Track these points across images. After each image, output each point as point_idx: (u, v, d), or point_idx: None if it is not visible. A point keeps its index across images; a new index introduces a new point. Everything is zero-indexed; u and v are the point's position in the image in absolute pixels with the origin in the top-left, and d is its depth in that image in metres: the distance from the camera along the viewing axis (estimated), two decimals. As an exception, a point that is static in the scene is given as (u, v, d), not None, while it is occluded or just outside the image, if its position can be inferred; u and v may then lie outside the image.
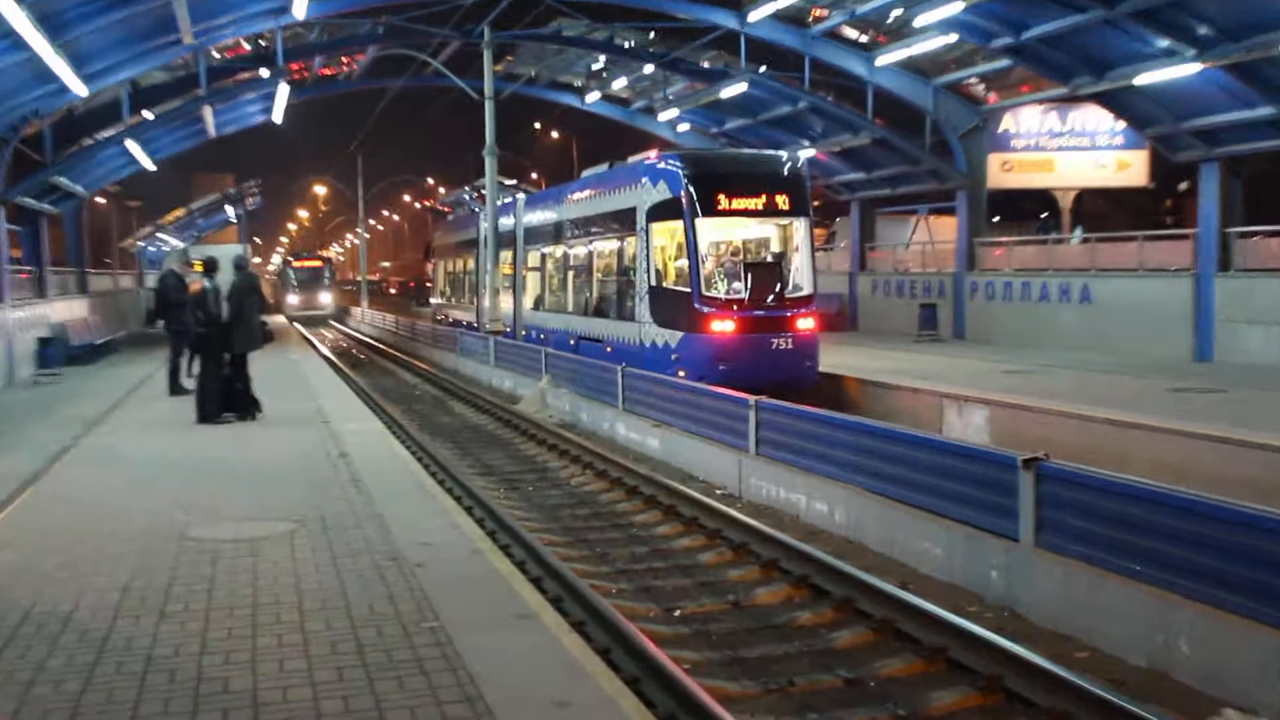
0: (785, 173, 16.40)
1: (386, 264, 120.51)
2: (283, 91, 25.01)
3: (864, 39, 25.15)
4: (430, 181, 79.47)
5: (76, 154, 23.59)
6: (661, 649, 6.05)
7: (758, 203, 16.15)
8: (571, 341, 19.98)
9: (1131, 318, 19.80)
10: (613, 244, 18.52)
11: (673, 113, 31.31)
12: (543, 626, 5.46)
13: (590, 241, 19.73)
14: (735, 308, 15.62)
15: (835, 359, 17.98)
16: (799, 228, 16.60)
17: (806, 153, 25.53)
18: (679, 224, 16.05)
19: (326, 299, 54.93)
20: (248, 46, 27.04)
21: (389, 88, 35.21)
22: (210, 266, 13.07)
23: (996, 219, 28.24)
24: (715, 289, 16.08)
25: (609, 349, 17.97)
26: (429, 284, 42.32)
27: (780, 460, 10.53)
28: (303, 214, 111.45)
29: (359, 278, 59.58)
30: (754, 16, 23.25)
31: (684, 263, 16.12)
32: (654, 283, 16.61)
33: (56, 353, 20.42)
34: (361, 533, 7.39)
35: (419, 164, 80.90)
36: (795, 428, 10.41)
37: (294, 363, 21.53)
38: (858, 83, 25.53)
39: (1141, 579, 6.28)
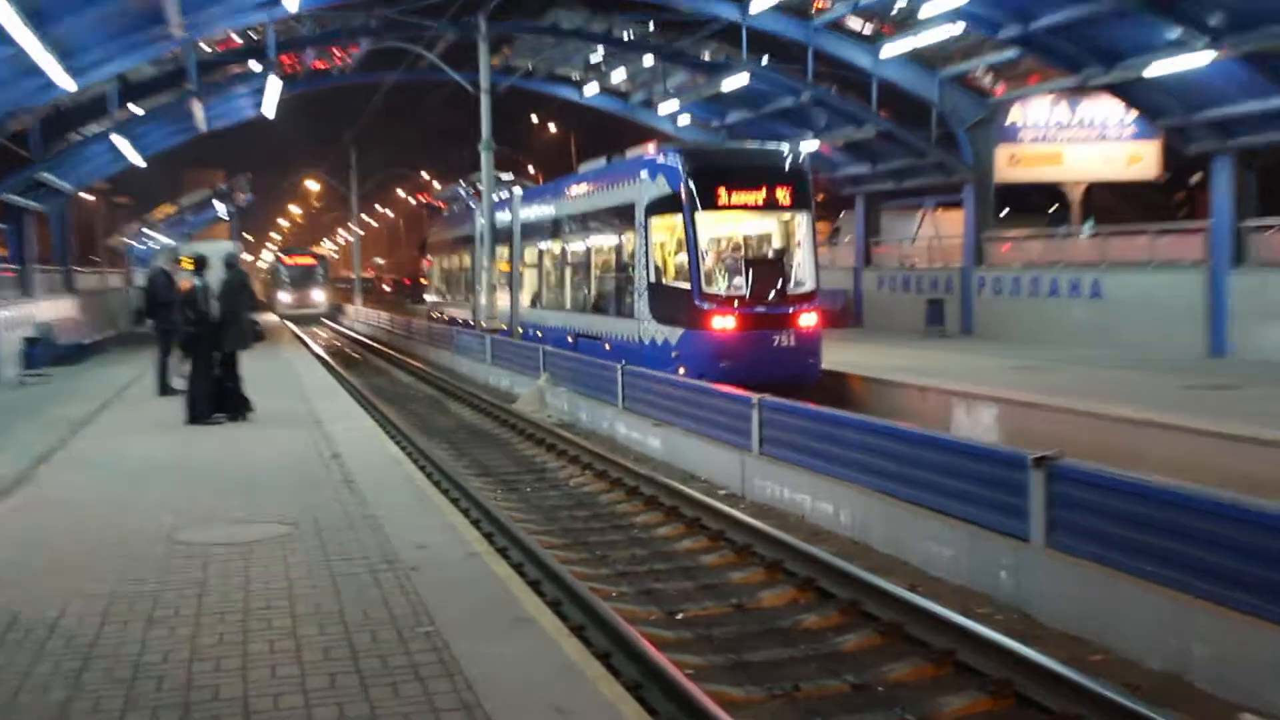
0: (786, 166, 16.38)
1: (381, 261, 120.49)
2: (274, 85, 24.99)
3: (868, 30, 25.16)
4: (425, 176, 79.39)
5: (64, 150, 23.63)
6: (663, 653, 6.02)
7: (759, 197, 16.14)
8: (569, 339, 19.97)
9: (1143, 313, 19.78)
10: (611, 239, 18.50)
11: (673, 105, 31.30)
12: (541, 631, 5.43)
13: (588, 237, 19.71)
14: (736, 304, 15.61)
15: (840, 356, 17.96)
16: (801, 222, 16.59)
17: (810, 146, 25.51)
18: (678, 219, 16.04)
19: (320, 297, 54.89)
20: (238, 40, 27.07)
21: (383, 82, 35.23)
22: (200, 264, 13.05)
23: (1004, 213, 28.20)
24: (716, 285, 16.08)
25: (608, 346, 17.96)
26: (424, 281, 42.29)
27: (784, 460, 10.51)
28: (295, 210, 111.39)
29: (353, 275, 59.52)
30: (755, 7, 23.23)
31: (684, 258, 16.11)
32: (653, 279, 16.60)
33: (43, 353, 20.41)
34: (355, 535, 7.36)
35: (414, 159, 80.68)
36: (800, 426, 10.39)
37: (286, 362, 21.51)
38: (862, 75, 25.53)
39: (1155, 580, 6.25)
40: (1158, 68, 17.84)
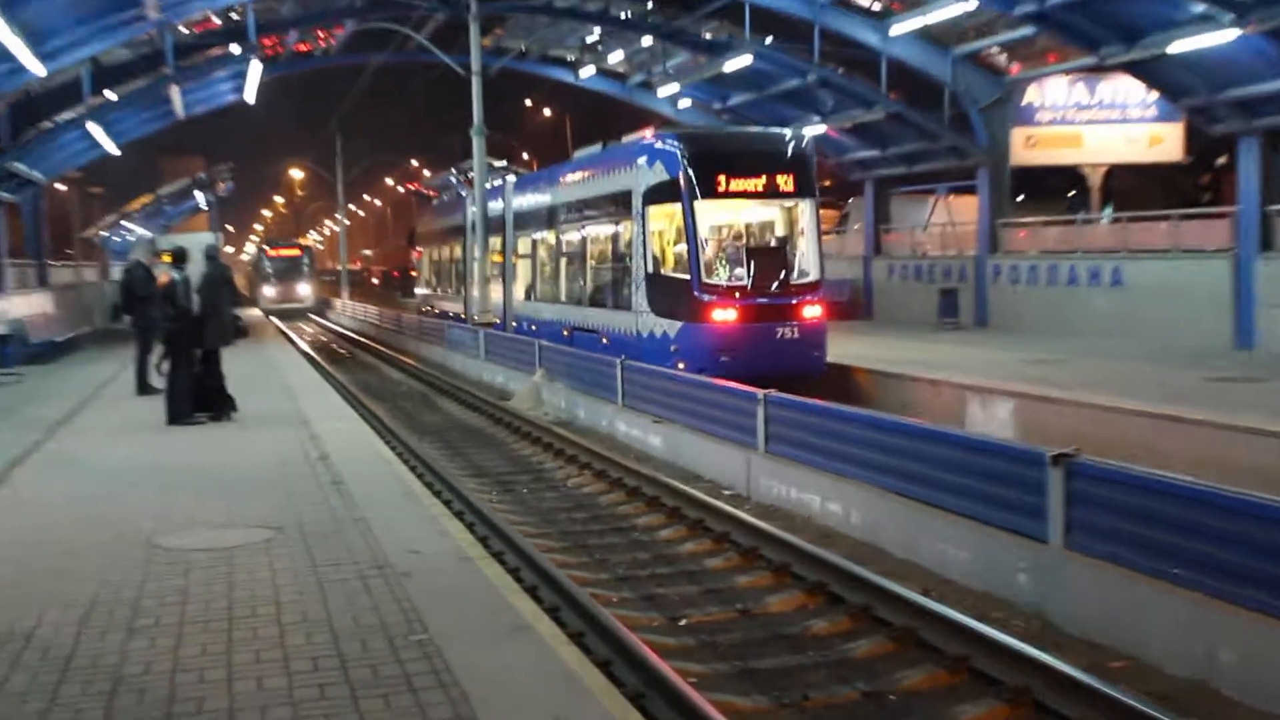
0: (790, 152, 16.38)
1: (369, 252, 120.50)
2: (255, 69, 24.98)
3: (877, 7, 25.13)
4: (414, 164, 79.39)
5: (34, 138, 23.60)
6: (666, 661, 6.04)
7: (760, 183, 16.15)
8: (565, 333, 19.98)
9: (1166, 302, 19.76)
10: (608, 229, 18.50)
11: (673, 88, 31.26)
12: (539, 638, 5.44)
13: (584, 226, 19.71)
14: (737, 295, 15.61)
15: (849, 349, 17.97)
16: (805, 210, 16.59)
17: (816, 129, 25.50)
18: (677, 207, 16.05)
19: (306, 290, 54.50)
20: (217, 21, 27.04)
21: (369, 64, 35.18)
22: (179, 257, 13.03)
23: (1020, 198, 28.17)
24: (716, 275, 16.08)
25: (604, 340, 17.97)
26: (414, 273, 42.27)
27: (791, 458, 10.51)
28: (278, 200, 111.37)
29: (339, 267, 59.39)
30: (758, -16, 23.23)
31: (683, 248, 16.11)
32: (651, 270, 16.60)
33: (15, 351, 20.44)
34: (344, 540, 7.37)
35: (402, 145, 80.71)
36: (807, 423, 10.40)
37: (271, 359, 21.52)
38: (871, 54, 25.49)
39: (1180, 582, 6.26)
40: (1180, 45, 17.80)
